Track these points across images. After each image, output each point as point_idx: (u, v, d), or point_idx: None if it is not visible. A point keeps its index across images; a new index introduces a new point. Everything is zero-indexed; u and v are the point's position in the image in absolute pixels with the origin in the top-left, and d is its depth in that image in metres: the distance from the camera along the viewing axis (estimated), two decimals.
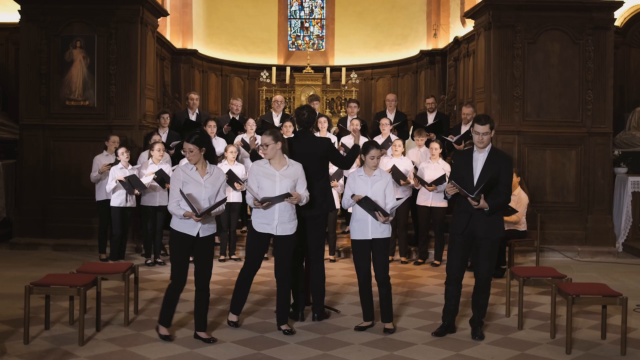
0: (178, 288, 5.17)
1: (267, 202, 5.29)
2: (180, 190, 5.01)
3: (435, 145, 8.32)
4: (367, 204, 5.41)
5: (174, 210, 5.08)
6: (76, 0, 9.34)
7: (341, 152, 8.90)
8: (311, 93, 12.77)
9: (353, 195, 5.52)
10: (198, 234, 5.10)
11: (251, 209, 5.51)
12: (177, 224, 5.13)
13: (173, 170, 8.21)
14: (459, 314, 6.01)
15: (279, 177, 5.37)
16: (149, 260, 8.24)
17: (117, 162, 8.05)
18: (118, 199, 7.95)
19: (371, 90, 15.55)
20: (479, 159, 5.24)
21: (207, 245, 5.21)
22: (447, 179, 8.13)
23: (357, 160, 8.44)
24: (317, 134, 8.91)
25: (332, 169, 7.65)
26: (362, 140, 9.05)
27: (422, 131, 8.90)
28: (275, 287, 5.55)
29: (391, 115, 9.60)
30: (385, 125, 8.93)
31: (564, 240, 9.25)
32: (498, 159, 5.22)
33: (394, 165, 8.24)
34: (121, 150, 8.02)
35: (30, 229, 9.30)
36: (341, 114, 13.31)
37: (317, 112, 9.49)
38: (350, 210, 5.94)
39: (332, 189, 8.19)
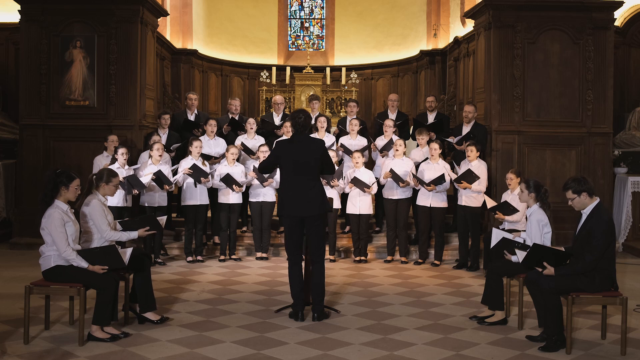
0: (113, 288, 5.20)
1: None
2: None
3: (435, 146, 8.31)
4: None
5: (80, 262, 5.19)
6: (76, 0, 9.33)
7: (340, 152, 8.94)
8: (311, 93, 12.77)
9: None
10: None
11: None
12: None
13: (172, 170, 8.27)
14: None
15: None
16: None
17: (114, 161, 8.03)
18: (115, 199, 7.88)
19: (371, 90, 15.57)
20: (582, 219, 5.28)
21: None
22: (446, 179, 8.16)
23: (363, 158, 8.48)
24: (316, 134, 8.92)
25: None
26: (360, 139, 9.09)
27: (423, 130, 8.89)
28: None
29: (393, 115, 9.58)
30: (389, 127, 8.90)
31: (564, 240, 9.22)
32: (591, 219, 5.16)
33: (391, 169, 8.24)
34: (121, 151, 7.99)
35: (30, 229, 9.22)
36: (341, 114, 13.31)
37: (318, 113, 9.52)
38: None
39: (332, 188, 8.22)
